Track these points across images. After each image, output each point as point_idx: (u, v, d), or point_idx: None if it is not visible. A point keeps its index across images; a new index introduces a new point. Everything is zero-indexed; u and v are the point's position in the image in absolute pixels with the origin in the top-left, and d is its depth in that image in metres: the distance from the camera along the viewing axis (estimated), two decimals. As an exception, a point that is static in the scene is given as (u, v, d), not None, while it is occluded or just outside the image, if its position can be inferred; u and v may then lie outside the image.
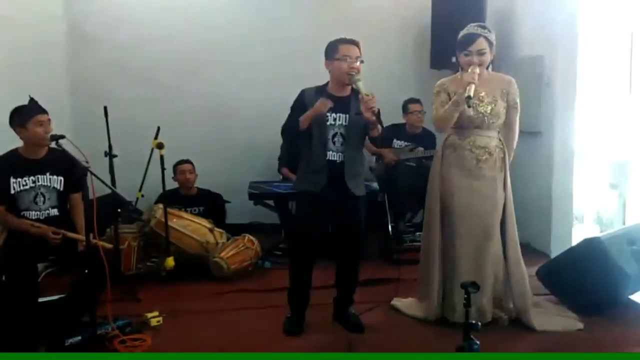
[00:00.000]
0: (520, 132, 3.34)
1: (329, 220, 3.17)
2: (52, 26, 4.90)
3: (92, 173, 2.69)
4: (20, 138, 3.07)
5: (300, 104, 3.07)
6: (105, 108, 3.88)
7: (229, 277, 4.04)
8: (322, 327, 3.21)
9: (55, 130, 3.01)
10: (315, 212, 3.10)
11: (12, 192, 3.05)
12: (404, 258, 4.35)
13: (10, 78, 3.93)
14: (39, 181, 3.09)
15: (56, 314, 2.96)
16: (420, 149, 4.81)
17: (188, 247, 4.16)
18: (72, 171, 3.09)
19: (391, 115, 4.97)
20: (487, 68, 3.15)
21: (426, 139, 4.84)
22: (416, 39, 5.45)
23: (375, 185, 4.71)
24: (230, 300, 3.70)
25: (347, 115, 3.02)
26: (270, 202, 4.73)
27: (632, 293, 3.49)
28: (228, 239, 4.33)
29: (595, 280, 3.25)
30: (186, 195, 4.68)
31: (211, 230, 4.29)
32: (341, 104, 3.03)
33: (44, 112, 3.04)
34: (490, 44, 3.08)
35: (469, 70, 3.01)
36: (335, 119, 3.04)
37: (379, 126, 2.95)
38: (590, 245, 3.35)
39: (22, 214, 3.05)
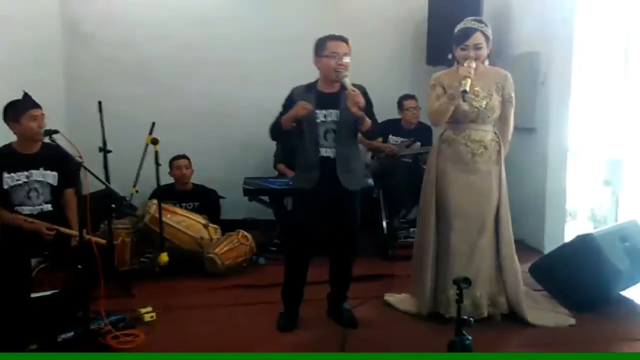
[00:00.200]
0: (515, 128, 3.35)
1: (324, 216, 3.17)
2: (48, 23, 4.90)
3: (85, 168, 2.69)
4: (14, 133, 3.07)
5: (290, 103, 3.09)
6: (99, 103, 3.87)
7: (223, 273, 4.04)
8: (316, 322, 3.22)
9: (49, 125, 3.00)
10: (309, 208, 3.10)
11: (6, 187, 3.04)
12: (398, 254, 4.37)
13: (6, 75, 3.91)
14: (32, 176, 3.08)
15: (49, 309, 2.95)
16: (417, 144, 4.81)
17: (182, 243, 4.15)
18: (66, 166, 3.07)
19: (388, 112, 4.98)
20: (483, 62, 3.15)
21: (422, 133, 4.84)
22: (413, 35, 5.44)
23: (370, 181, 4.71)
24: (224, 296, 3.70)
25: (338, 111, 3.02)
26: (265, 198, 4.73)
27: (624, 289, 3.51)
28: (222, 235, 4.33)
29: (588, 277, 3.27)
30: (181, 191, 4.68)
31: (205, 226, 4.29)
32: (331, 100, 3.03)
33: (38, 106, 3.04)
34: (486, 38, 3.08)
35: (465, 65, 3.00)
36: (325, 116, 3.04)
37: (368, 120, 2.95)
38: (582, 241, 3.36)
39: (15, 209, 3.05)
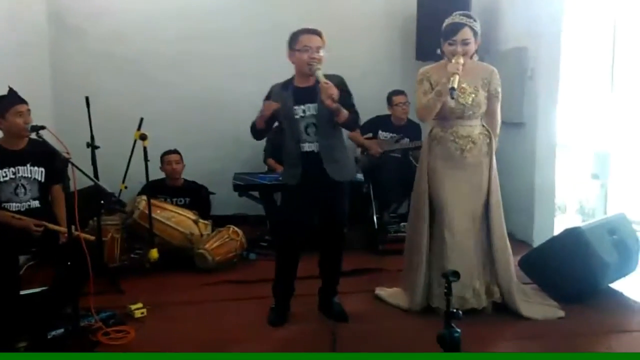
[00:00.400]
0: (504, 123, 3.36)
1: (312, 211, 3.17)
2: (34, 17, 4.82)
3: (73, 164, 2.66)
4: (0, 129, 3.03)
5: (267, 100, 3.11)
6: (87, 98, 3.83)
7: (214, 269, 4.03)
8: (307, 317, 3.23)
9: (36, 121, 2.96)
10: (296, 204, 3.11)
11: (-8, 183, 3.00)
12: (388, 248, 4.39)
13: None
14: (19, 172, 3.05)
15: (38, 306, 2.94)
16: (406, 140, 4.83)
17: (172, 239, 4.14)
18: (53, 162, 3.04)
19: (377, 107, 4.99)
20: (471, 57, 3.15)
21: (411, 129, 4.86)
22: (401, 30, 5.44)
23: (360, 176, 4.72)
24: (215, 291, 3.69)
25: (316, 105, 3.01)
26: (255, 194, 4.72)
27: (612, 282, 3.55)
28: (213, 231, 4.32)
29: (576, 270, 3.30)
30: (172, 186, 4.66)
31: (195, 222, 4.27)
32: (308, 95, 3.02)
33: (24, 102, 3.00)
34: (474, 33, 3.08)
35: (453, 61, 3.00)
36: (304, 111, 3.03)
37: (344, 111, 2.93)
38: (571, 235, 3.39)
39: (2, 205, 3.01)
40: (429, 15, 4.78)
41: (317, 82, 2.93)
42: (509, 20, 4.94)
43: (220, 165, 5.19)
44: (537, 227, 4.55)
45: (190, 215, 4.31)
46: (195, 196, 4.67)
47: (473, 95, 3.14)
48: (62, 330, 2.89)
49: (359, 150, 4.97)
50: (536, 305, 3.27)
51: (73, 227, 2.70)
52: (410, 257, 3.36)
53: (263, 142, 5.04)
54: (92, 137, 3.83)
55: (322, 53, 2.99)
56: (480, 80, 3.18)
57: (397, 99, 4.87)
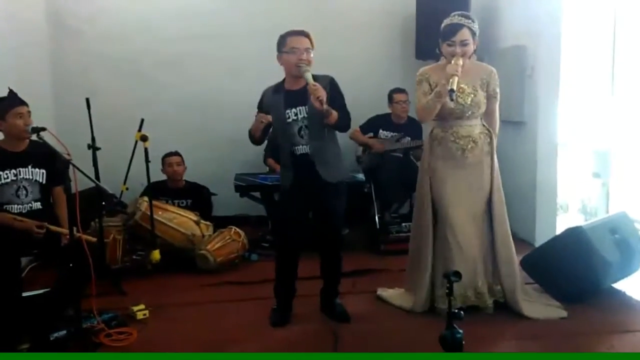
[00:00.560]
0: (504, 122, 3.37)
1: (307, 212, 3.17)
2: (33, 17, 4.83)
3: (74, 166, 2.66)
4: (0, 131, 3.03)
5: (261, 105, 3.14)
6: (87, 100, 3.83)
7: (215, 270, 4.03)
8: (309, 318, 3.22)
9: (37, 122, 2.96)
10: (291, 206, 3.11)
11: (-6, 185, 3.00)
12: (390, 249, 4.38)
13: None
14: (20, 174, 3.05)
15: (41, 308, 2.94)
16: (407, 139, 4.82)
17: (174, 240, 4.14)
18: (54, 164, 3.05)
19: (378, 105, 4.99)
20: (470, 57, 3.14)
21: (412, 128, 4.84)
22: (401, 29, 5.44)
23: (361, 176, 4.72)
24: (217, 292, 3.69)
25: (307, 107, 3.00)
26: (257, 194, 4.72)
27: (614, 281, 3.54)
28: (214, 232, 4.32)
29: (578, 269, 3.29)
30: (174, 188, 4.66)
31: (197, 223, 4.27)
32: (298, 97, 3.01)
33: (24, 104, 3.00)
34: (473, 33, 3.08)
35: (452, 62, 3.00)
36: (296, 114, 3.03)
37: (334, 113, 2.92)
38: (572, 234, 3.38)
39: (4, 207, 3.01)
40: (428, 15, 4.78)
41: (308, 84, 2.93)
42: (508, 19, 4.93)
43: (221, 166, 5.19)
44: (539, 227, 4.54)
45: (192, 216, 4.31)
46: (196, 197, 4.67)
47: (472, 96, 3.14)
48: (64, 331, 2.90)
49: (360, 149, 4.97)
50: (538, 305, 3.26)
51: (75, 228, 2.71)
52: (414, 257, 3.36)
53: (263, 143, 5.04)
54: (93, 139, 3.82)
55: (310, 54, 2.98)
56: (479, 80, 3.17)
57: (398, 96, 4.87)
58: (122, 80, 5.22)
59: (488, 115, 3.25)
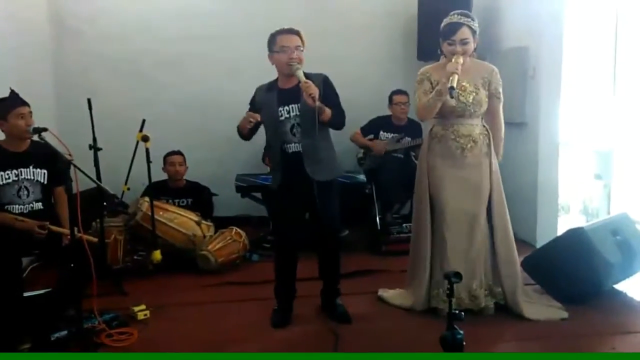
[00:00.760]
0: (506, 123, 3.35)
1: (301, 212, 3.16)
2: (34, 18, 4.83)
3: (75, 166, 2.66)
4: (2, 131, 3.03)
5: (253, 103, 3.13)
6: (89, 100, 3.83)
7: (216, 270, 4.03)
8: (310, 318, 3.23)
9: (38, 123, 2.97)
10: (283, 206, 3.11)
11: (-5, 185, 3.01)
12: (391, 249, 4.38)
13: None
14: (22, 174, 3.05)
15: (42, 308, 2.94)
16: (407, 139, 4.82)
17: (175, 240, 4.14)
18: (55, 164, 3.05)
19: (378, 106, 4.99)
20: (470, 56, 3.14)
21: (412, 129, 4.85)
22: (403, 30, 5.44)
23: (362, 177, 4.72)
24: (218, 293, 3.69)
25: (299, 105, 2.99)
26: (258, 195, 4.72)
27: (615, 282, 3.53)
28: (215, 232, 4.32)
29: (579, 270, 3.28)
30: (174, 187, 4.65)
31: (198, 223, 4.27)
32: (291, 95, 3.01)
33: (25, 104, 3.00)
34: (473, 32, 3.08)
35: (453, 60, 3.00)
36: (288, 112, 3.03)
37: (327, 110, 2.91)
38: (573, 235, 3.38)
39: (5, 207, 3.01)
40: (430, 15, 4.76)
41: (300, 81, 2.92)
42: (510, 19, 4.93)
43: (222, 167, 5.19)
44: (540, 228, 4.54)
45: (193, 216, 4.31)
46: (197, 197, 4.67)
47: (474, 94, 3.14)
48: (65, 332, 2.90)
49: (361, 151, 4.97)
50: (539, 307, 3.26)
51: (76, 228, 2.71)
52: (414, 254, 3.36)
53: (263, 142, 5.03)
54: (95, 139, 3.83)
55: (300, 52, 2.98)
56: (480, 78, 3.17)
57: (397, 98, 4.87)
58: (122, 80, 5.23)
59: (492, 117, 3.24)
